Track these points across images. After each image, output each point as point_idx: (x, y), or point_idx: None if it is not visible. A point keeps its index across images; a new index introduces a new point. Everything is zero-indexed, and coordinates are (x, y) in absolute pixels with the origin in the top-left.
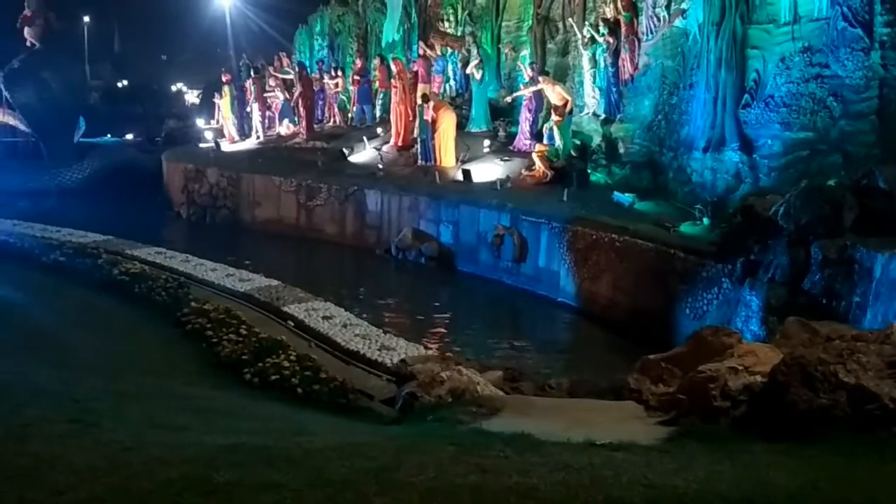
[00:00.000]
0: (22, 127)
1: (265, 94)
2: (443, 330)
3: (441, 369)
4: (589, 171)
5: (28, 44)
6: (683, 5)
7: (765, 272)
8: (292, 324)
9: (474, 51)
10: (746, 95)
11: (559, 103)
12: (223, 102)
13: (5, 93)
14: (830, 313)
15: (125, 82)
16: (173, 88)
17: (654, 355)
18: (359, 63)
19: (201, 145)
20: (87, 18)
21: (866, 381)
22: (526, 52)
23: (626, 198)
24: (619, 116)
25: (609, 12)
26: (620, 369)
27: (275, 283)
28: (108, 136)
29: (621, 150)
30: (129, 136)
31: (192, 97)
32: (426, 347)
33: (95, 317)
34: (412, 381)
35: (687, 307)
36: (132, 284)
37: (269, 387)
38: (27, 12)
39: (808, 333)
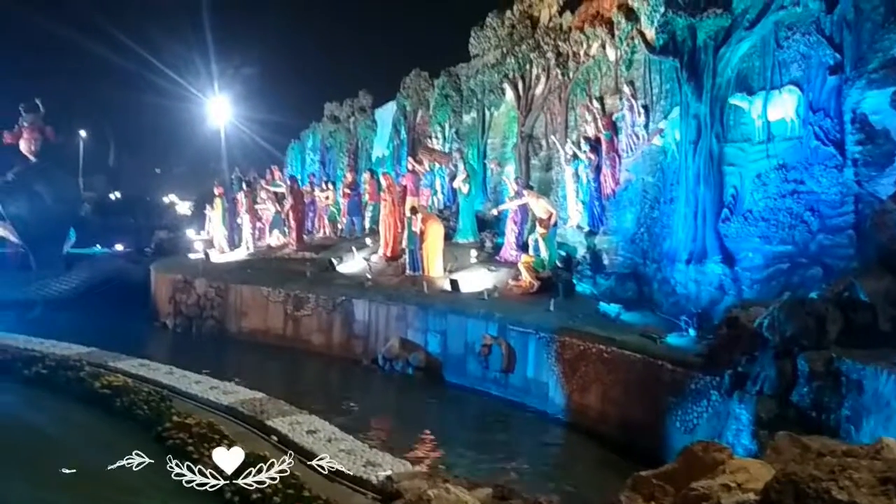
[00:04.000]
0: (12, 238)
1: (256, 206)
2: (430, 444)
3: (428, 487)
4: (574, 281)
5: (31, 158)
6: (661, 125)
7: (753, 384)
8: (276, 438)
9: (461, 166)
10: (725, 210)
11: (544, 216)
12: (214, 214)
13: None
14: (820, 426)
15: (118, 194)
16: (165, 200)
17: (645, 472)
18: (349, 177)
19: (191, 256)
20: (83, 132)
21: (859, 497)
22: (511, 167)
23: (611, 308)
24: (602, 229)
25: (590, 130)
26: (612, 485)
27: (259, 395)
28: (98, 246)
29: (606, 262)
30: (119, 247)
31: (183, 208)
32: (413, 462)
33: (75, 432)
34: (398, 499)
35: (677, 420)
36: (114, 398)
37: None
38: (16, 129)
39: (799, 448)
